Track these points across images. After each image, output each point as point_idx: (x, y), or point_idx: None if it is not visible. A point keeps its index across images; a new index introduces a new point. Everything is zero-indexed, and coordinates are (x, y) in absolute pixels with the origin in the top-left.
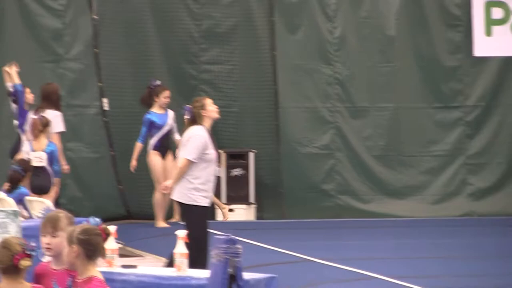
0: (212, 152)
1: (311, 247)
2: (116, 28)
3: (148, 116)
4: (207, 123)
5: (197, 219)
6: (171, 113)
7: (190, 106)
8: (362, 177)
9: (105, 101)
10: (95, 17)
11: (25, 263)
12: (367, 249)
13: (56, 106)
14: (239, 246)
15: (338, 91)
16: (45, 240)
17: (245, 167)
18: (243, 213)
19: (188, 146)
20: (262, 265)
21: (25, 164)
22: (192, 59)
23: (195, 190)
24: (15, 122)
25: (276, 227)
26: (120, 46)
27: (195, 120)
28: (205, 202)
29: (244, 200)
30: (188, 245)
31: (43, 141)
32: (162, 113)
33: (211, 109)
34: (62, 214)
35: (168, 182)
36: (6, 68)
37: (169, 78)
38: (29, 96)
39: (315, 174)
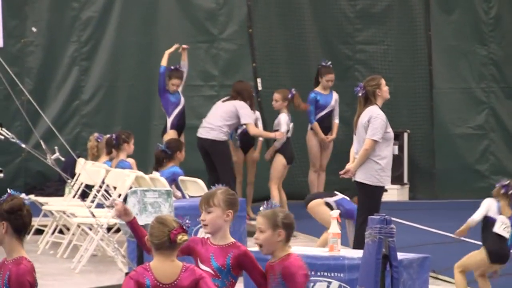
0: (391, 130)
1: None
2: (270, 8)
3: (313, 94)
4: (380, 102)
5: (378, 200)
6: (335, 95)
7: (362, 84)
8: None
9: (258, 81)
10: None
11: (182, 237)
12: None
13: (246, 99)
14: (393, 226)
15: (492, 71)
16: (201, 217)
17: (400, 148)
18: (396, 193)
19: (371, 126)
20: (416, 245)
21: (174, 143)
22: (347, 39)
23: (382, 171)
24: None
25: (429, 208)
26: (274, 26)
27: (368, 98)
28: (387, 183)
29: (398, 180)
30: (361, 225)
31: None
32: (326, 93)
33: (385, 89)
34: (220, 190)
35: (349, 165)
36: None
37: (323, 58)
38: (171, 87)
39: (469, 155)
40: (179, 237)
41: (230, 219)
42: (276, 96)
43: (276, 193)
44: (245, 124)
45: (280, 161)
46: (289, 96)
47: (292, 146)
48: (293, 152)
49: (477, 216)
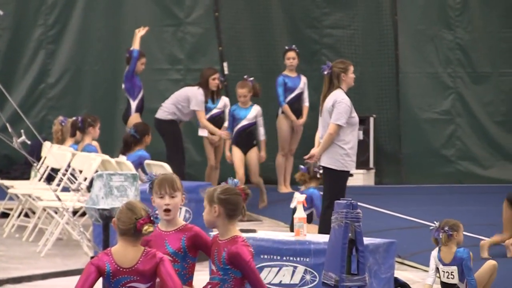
0: (356, 115)
1: (431, 212)
2: None
3: (281, 77)
4: (344, 87)
5: (343, 185)
6: (303, 78)
7: (331, 63)
8: (483, 142)
9: (225, 65)
10: None
11: (148, 228)
12: (487, 215)
13: (201, 85)
14: (359, 211)
15: (459, 56)
16: (163, 201)
17: (365, 132)
18: (362, 178)
19: (335, 111)
20: (382, 230)
21: (141, 127)
22: (314, 23)
23: (347, 155)
24: (123, 85)
25: (395, 192)
26: (240, 9)
27: (332, 80)
28: (352, 167)
29: (363, 165)
30: (327, 210)
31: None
32: (294, 76)
33: (351, 76)
34: (173, 175)
35: (314, 150)
36: (136, 31)
37: (290, 42)
38: (141, 67)
39: (435, 140)
40: (145, 227)
41: (183, 203)
42: (243, 91)
43: (263, 186)
44: (194, 110)
45: (257, 153)
46: (251, 84)
47: None
48: None
49: (429, 276)
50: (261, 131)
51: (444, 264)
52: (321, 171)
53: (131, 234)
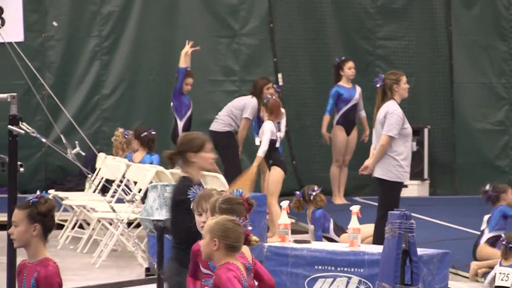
0: (409, 126)
1: None
2: (291, 3)
3: (335, 88)
4: (397, 98)
5: (396, 195)
6: (358, 89)
7: (383, 76)
8: None
9: (280, 76)
10: None
11: (255, 238)
12: None
13: (255, 95)
14: (412, 221)
15: None
16: (201, 218)
17: (420, 143)
18: (416, 189)
19: (387, 122)
20: (436, 241)
21: None
22: (368, 34)
23: (400, 166)
24: (171, 103)
25: (449, 203)
26: (295, 21)
27: (385, 92)
28: (406, 178)
29: (418, 175)
30: (381, 220)
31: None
32: (349, 87)
33: (404, 87)
34: (214, 191)
35: (368, 162)
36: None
37: (344, 54)
38: (186, 88)
39: (489, 150)
40: (253, 238)
41: None
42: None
43: (278, 210)
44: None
45: (278, 173)
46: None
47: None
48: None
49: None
50: (261, 147)
51: (501, 265)
52: (314, 194)
53: (240, 249)
